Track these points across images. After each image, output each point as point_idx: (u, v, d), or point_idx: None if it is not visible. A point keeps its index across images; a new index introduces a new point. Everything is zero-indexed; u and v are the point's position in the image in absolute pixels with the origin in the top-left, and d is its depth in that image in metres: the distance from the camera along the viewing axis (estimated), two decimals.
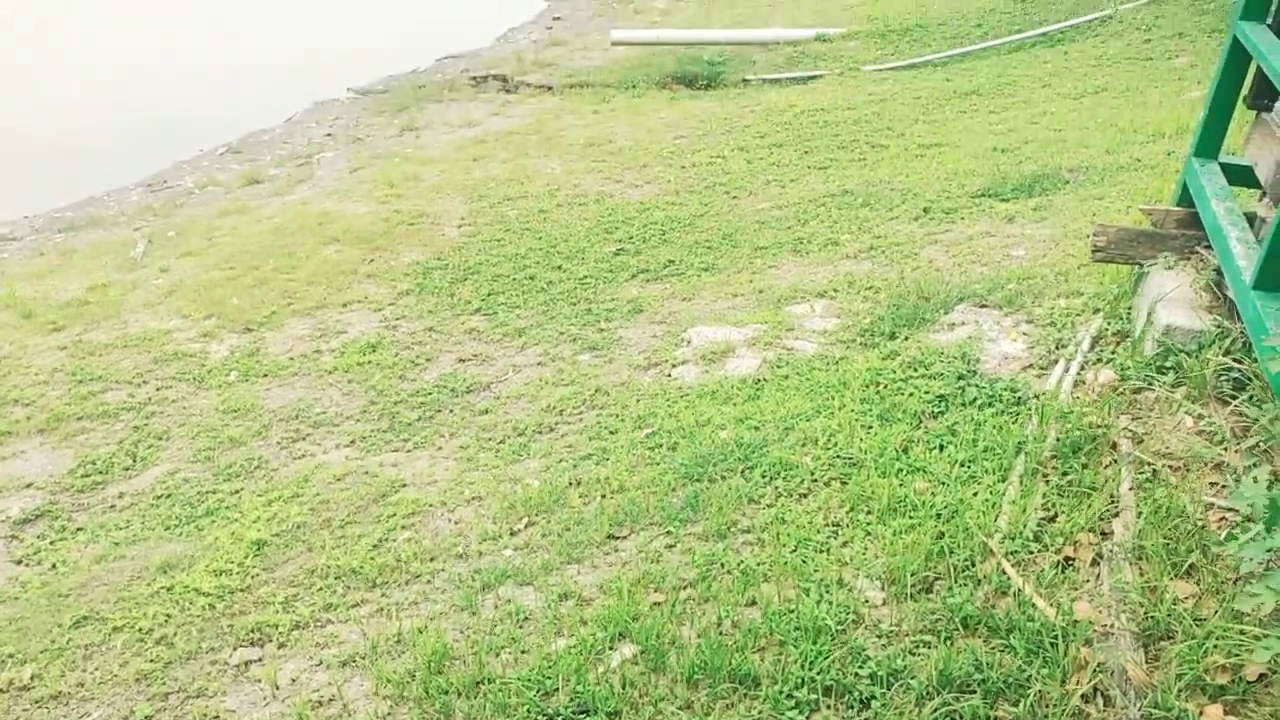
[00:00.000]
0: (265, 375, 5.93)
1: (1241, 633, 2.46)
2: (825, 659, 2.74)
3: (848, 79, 11.61)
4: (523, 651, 3.08)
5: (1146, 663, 2.53)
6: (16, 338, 6.54)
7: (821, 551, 3.27)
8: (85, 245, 8.88)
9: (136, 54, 15.36)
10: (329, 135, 11.89)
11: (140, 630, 3.63)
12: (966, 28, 12.86)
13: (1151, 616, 2.64)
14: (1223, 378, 3.40)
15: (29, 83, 13.94)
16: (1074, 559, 2.97)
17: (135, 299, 7.19)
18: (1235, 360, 3.39)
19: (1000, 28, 12.55)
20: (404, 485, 4.50)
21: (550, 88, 12.87)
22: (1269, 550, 2.36)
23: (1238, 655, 2.44)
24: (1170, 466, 3.22)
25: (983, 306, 4.89)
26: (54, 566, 4.29)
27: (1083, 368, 3.97)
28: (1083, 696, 2.47)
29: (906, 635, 2.81)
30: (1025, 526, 3.11)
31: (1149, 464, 3.25)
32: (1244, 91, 3.78)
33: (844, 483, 3.62)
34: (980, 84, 10.33)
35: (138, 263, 8.08)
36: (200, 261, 7.88)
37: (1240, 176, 3.86)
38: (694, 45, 13.45)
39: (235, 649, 3.47)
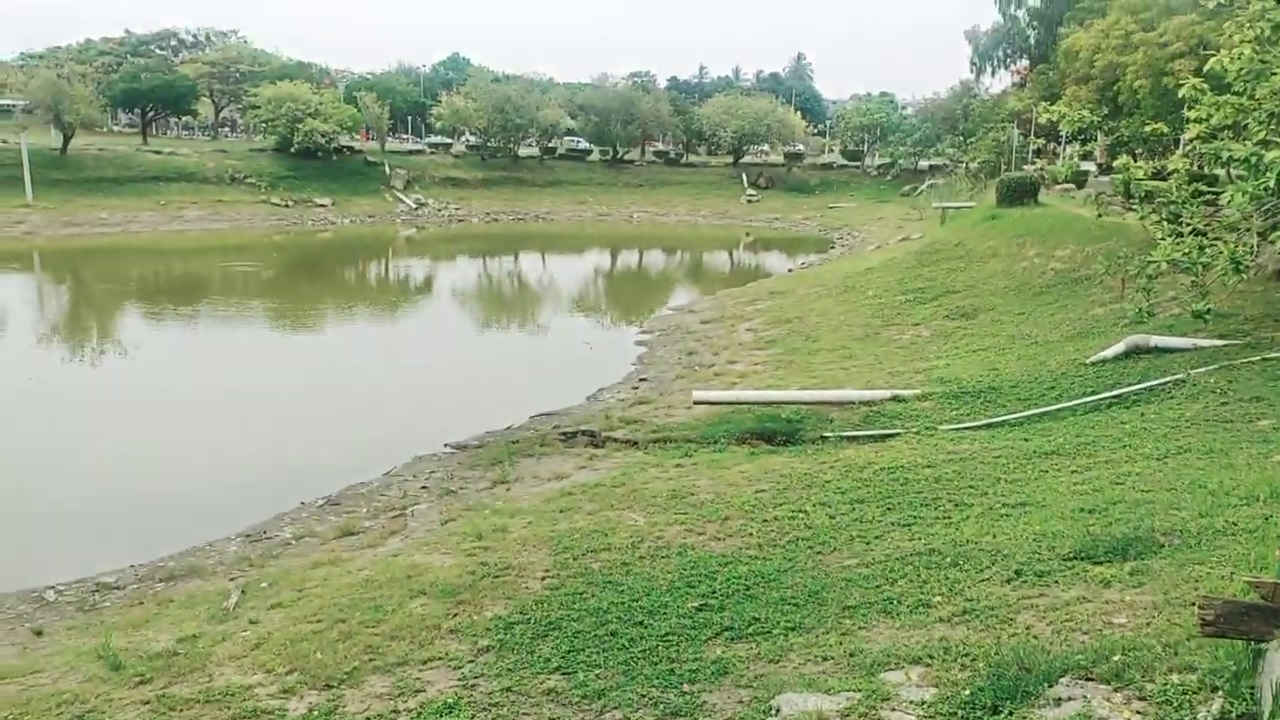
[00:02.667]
0: None
1: None
2: None
3: (925, 438, 11.87)
4: None
5: None
6: (103, 691, 6.59)
7: None
8: (182, 594, 9.15)
9: (250, 411, 16.76)
10: (424, 488, 12.44)
11: None
12: (1040, 390, 13.23)
13: None
14: None
15: (154, 437, 15.17)
16: None
17: (223, 651, 7.26)
18: None
19: (1073, 390, 12.87)
20: None
21: (636, 443, 13.44)
22: None
23: None
24: None
25: (1089, 680, 4.63)
26: None
27: None
28: None
29: None
30: None
31: None
32: None
33: None
34: (1060, 444, 10.44)
35: (229, 613, 8.26)
36: (289, 614, 8.01)
37: None
38: (772, 404, 14.08)
39: None
